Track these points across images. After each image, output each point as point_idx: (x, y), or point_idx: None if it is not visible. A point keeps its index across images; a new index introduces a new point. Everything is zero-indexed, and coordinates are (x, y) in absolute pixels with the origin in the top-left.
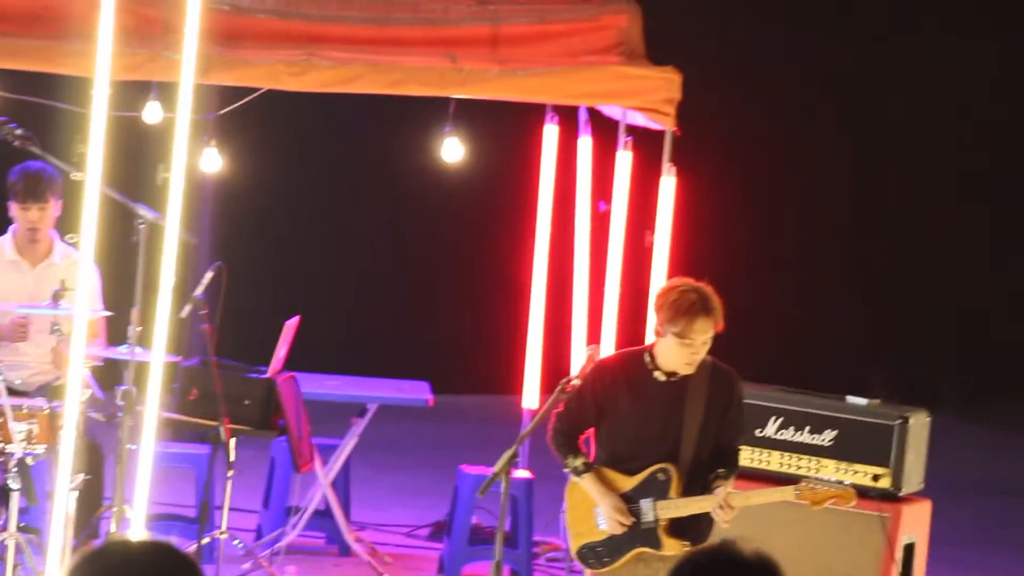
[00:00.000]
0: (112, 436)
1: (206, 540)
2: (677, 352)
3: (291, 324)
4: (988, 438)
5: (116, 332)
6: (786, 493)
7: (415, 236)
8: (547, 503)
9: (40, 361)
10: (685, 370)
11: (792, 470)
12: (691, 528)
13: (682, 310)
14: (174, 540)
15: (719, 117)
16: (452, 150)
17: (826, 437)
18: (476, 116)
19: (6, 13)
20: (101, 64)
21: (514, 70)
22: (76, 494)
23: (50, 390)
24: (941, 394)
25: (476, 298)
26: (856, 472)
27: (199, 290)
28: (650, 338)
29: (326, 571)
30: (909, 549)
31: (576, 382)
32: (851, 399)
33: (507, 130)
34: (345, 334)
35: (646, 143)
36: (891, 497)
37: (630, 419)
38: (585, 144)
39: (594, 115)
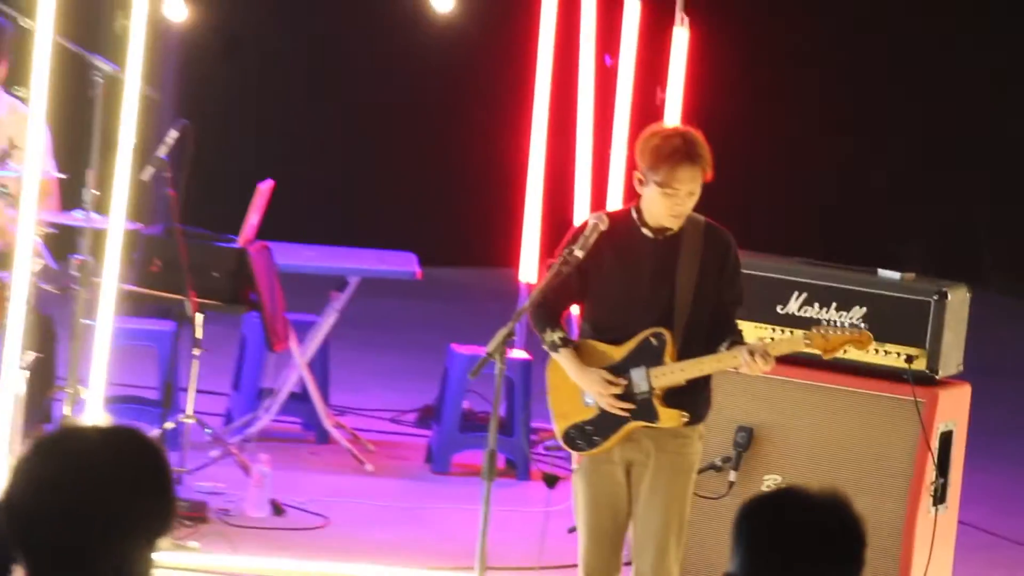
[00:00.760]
0: (66, 311)
1: (170, 425)
2: (660, 203)
3: (264, 188)
4: None
5: (71, 196)
6: (794, 341)
7: (403, 91)
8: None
9: None
10: (671, 223)
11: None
12: (689, 400)
13: (663, 156)
14: (135, 425)
15: None
16: None
17: (855, 314)
18: None
19: None
20: None
21: None
22: (26, 374)
23: None
24: (982, 266)
25: (469, 161)
26: (888, 353)
27: (162, 151)
28: None
29: (302, 459)
30: (946, 437)
31: (579, 253)
32: (882, 272)
33: None
34: (324, 200)
35: None
36: (927, 380)
37: (616, 281)
38: None
39: None
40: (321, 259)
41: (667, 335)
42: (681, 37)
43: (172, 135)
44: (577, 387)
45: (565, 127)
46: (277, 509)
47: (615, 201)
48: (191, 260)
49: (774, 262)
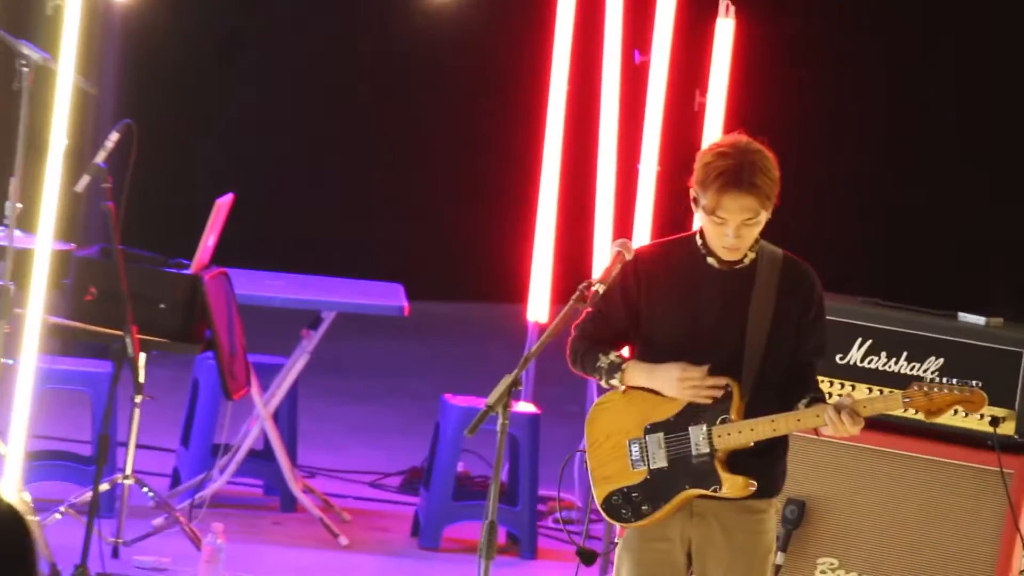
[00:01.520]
0: None
1: (104, 487)
2: (710, 231)
3: (223, 203)
4: None
5: None
6: (891, 400)
7: (389, 95)
8: (557, 447)
9: None
10: (726, 256)
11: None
12: (759, 465)
13: (710, 177)
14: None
15: None
16: None
17: (929, 366)
18: None
19: None
20: None
21: None
22: None
23: None
24: None
25: (468, 179)
26: (970, 414)
27: (101, 156)
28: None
29: (263, 531)
30: None
31: (599, 287)
32: (964, 316)
33: None
34: (293, 220)
35: None
36: (1016, 448)
37: (674, 319)
38: None
39: None
40: (290, 290)
41: (734, 387)
42: (725, 30)
43: (113, 137)
44: (622, 447)
45: (585, 137)
46: None
47: (643, 226)
48: (133, 288)
49: (832, 301)
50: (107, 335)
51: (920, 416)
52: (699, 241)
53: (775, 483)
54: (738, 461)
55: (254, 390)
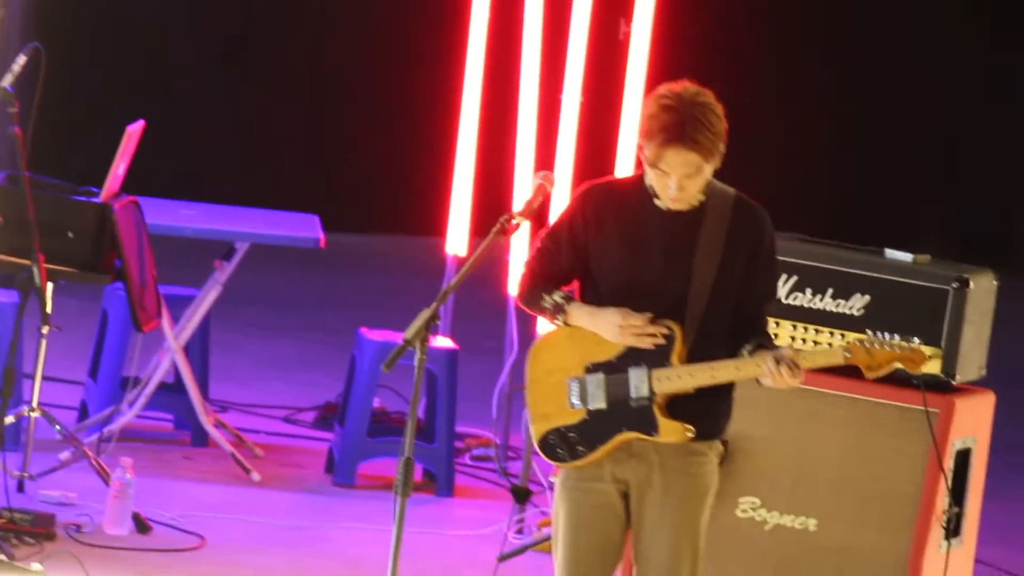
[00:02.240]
0: None
1: (10, 419)
2: (656, 182)
3: (133, 131)
4: None
5: None
6: (832, 354)
7: (307, 23)
8: (475, 383)
9: None
10: (673, 205)
11: (807, 347)
12: (699, 411)
13: (654, 130)
14: None
15: None
16: None
17: (855, 304)
18: None
19: None
20: None
21: None
22: None
23: None
24: (1012, 249)
25: (387, 109)
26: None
27: (7, 80)
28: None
29: (174, 465)
30: (963, 456)
31: (518, 220)
32: (891, 253)
33: None
34: (206, 147)
35: None
36: (941, 386)
37: (618, 260)
38: None
39: None
40: (203, 220)
41: (676, 330)
42: None
43: (20, 61)
44: (562, 385)
45: (507, 67)
46: (141, 526)
47: (565, 158)
48: (41, 216)
49: None
50: (13, 264)
51: (861, 370)
52: (648, 182)
53: (716, 425)
54: (678, 402)
55: (165, 322)
